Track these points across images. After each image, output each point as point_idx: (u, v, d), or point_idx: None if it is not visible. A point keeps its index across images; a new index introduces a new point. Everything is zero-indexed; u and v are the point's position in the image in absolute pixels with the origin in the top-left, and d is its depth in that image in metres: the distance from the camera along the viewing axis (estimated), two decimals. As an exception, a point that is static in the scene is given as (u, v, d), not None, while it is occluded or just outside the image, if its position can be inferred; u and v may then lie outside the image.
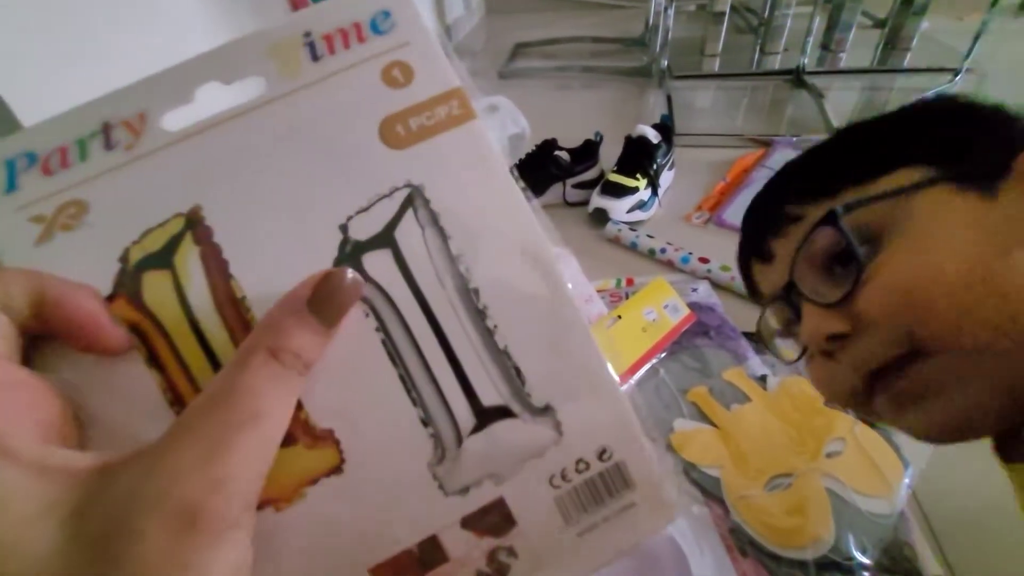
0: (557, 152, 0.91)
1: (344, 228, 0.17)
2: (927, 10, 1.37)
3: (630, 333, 0.60)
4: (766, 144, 1.04)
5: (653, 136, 0.89)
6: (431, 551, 0.17)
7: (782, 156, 1.00)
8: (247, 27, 0.17)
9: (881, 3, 1.46)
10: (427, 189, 0.17)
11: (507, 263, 0.17)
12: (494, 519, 0.17)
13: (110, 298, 0.16)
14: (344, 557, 0.16)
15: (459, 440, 0.17)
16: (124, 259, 0.17)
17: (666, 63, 1.37)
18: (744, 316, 0.67)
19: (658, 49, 1.37)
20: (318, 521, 0.16)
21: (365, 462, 0.16)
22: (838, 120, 1.08)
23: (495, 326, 0.17)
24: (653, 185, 0.88)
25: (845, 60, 1.43)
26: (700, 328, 0.64)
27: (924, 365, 0.26)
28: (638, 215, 0.86)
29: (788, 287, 0.31)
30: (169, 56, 0.18)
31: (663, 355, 0.61)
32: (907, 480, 0.46)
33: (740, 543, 0.44)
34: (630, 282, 0.73)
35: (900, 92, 1.25)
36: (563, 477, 0.17)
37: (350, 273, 0.16)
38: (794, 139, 1.04)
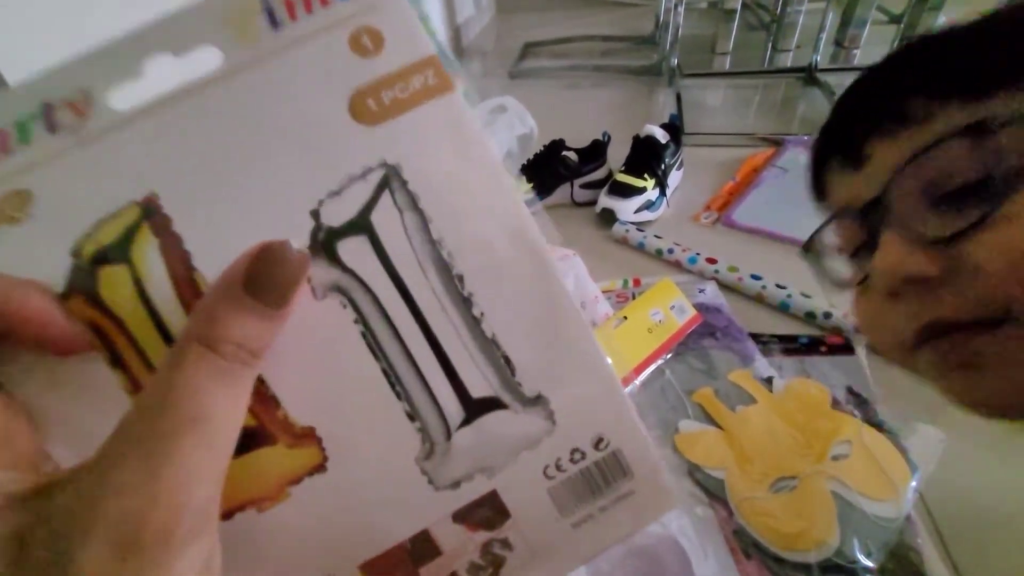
0: (565, 152, 0.91)
1: (316, 214, 0.16)
2: (944, 4, 1.34)
3: (636, 334, 0.60)
4: (777, 143, 1.03)
5: (661, 136, 0.89)
6: (423, 545, 0.17)
7: (793, 155, 0.99)
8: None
9: (897, -2, 1.43)
10: (404, 169, 0.16)
11: (492, 246, 0.16)
12: (487, 512, 0.17)
13: (64, 296, 0.15)
14: (333, 555, 0.16)
15: (448, 434, 0.16)
16: (76, 254, 0.15)
17: (676, 61, 1.36)
18: (751, 318, 0.67)
19: (668, 47, 1.36)
20: (304, 520, 0.16)
21: (349, 459, 0.16)
22: (851, 118, 1.07)
23: (482, 314, 0.16)
24: (661, 185, 0.87)
25: (859, 57, 1.41)
26: (707, 329, 0.63)
27: (999, 335, 0.22)
28: (646, 215, 0.86)
29: (873, 204, 0.25)
30: (152, 13, 0.16)
31: (669, 356, 0.61)
32: (914, 484, 0.46)
33: (744, 545, 0.44)
34: (637, 283, 0.73)
35: (916, 89, 1.23)
36: (558, 467, 0.17)
37: (293, 244, 0.14)
38: (806, 138, 1.03)
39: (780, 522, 0.45)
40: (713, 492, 0.48)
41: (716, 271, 0.73)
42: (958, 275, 0.23)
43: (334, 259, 0.16)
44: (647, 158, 0.88)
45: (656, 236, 0.80)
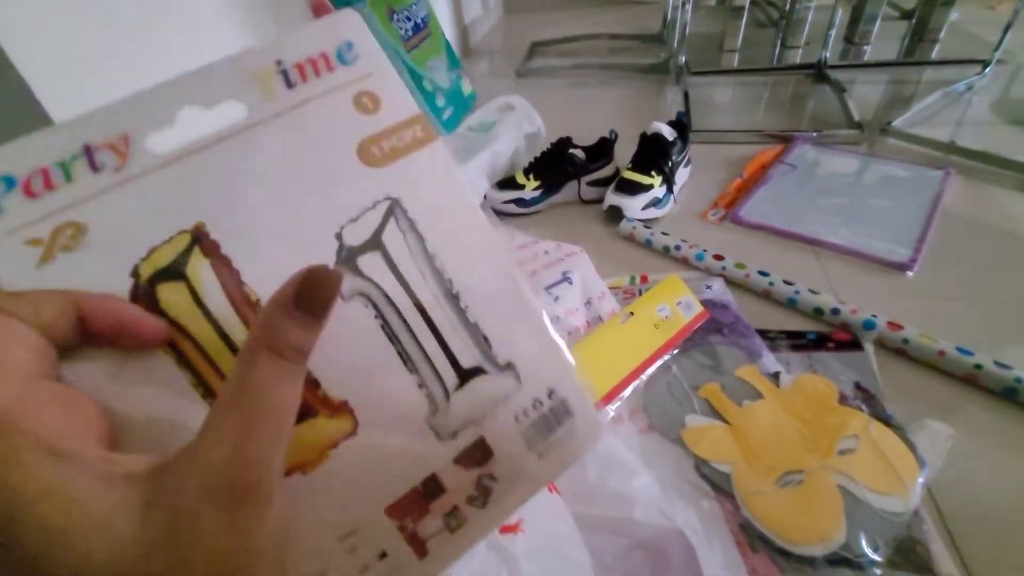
0: (572, 150, 0.91)
1: (339, 236, 0.20)
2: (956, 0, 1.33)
3: (643, 330, 0.61)
4: (786, 139, 1.03)
5: (668, 133, 0.89)
6: (432, 486, 0.21)
7: (802, 151, 0.99)
8: (268, 32, 0.18)
9: (908, -6, 1.42)
10: (404, 201, 0.21)
11: (471, 257, 0.22)
12: (478, 454, 0.21)
13: None
14: (365, 502, 0.20)
15: (447, 396, 0.21)
16: (135, 275, 0.18)
17: (684, 59, 1.36)
18: (758, 314, 0.67)
19: (676, 45, 1.36)
20: (340, 477, 0.19)
21: (375, 423, 0.20)
22: (860, 115, 1.06)
23: (466, 306, 0.21)
24: (668, 182, 0.87)
25: (869, 53, 1.39)
26: (713, 325, 0.63)
27: None
28: (653, 212, 0.86)
29: None
30: (192, 59, 0.18)
31: (676, 352, 0.61)
32: (922, 479, 0.46)
33: (751, 538, 0.44)
34: (644, 279, 0.73)
35: (927, 85, 1.22)
36: (524, 414, 0.22)
37: (329, 267, 0.17)
38: (815, 134, 1.03)
39: (787, 516, 0.45)
40: (720, 486, 0.48)
41: (723, 267, 0.73)
42: None
43: (356, 271, 0.20)
44: (654, 155, 0.88)
45: (663, 233, 0.80)
